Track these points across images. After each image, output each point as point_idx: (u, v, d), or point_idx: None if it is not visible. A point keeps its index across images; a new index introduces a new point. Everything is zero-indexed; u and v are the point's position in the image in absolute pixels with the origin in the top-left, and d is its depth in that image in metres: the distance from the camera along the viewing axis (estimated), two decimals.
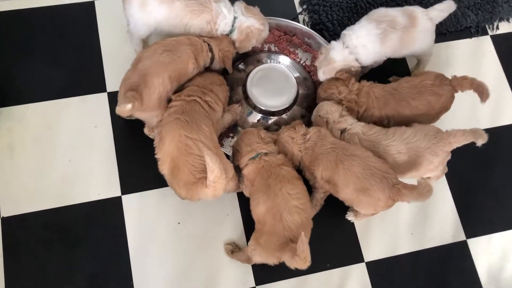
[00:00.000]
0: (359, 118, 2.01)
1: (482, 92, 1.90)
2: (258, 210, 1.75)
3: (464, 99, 2.05)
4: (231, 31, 2.07)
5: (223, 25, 2.04)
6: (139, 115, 1.90)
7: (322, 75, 2.10)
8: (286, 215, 1.68)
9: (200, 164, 1.73)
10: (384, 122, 1.99)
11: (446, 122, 1.98)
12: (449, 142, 1.81)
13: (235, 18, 2.04)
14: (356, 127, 1.92)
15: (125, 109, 1.73)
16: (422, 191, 1.70)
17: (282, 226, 1.67)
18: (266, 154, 1.83)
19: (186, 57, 1.92)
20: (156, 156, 1.80)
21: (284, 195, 1.72)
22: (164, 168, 1.79)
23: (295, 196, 1.73)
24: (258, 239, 1.73)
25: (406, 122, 1.93)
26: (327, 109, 1.97)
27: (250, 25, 2.05)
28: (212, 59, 2.02)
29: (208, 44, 1.99)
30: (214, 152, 1.70)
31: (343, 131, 1.93)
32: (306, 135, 1.88)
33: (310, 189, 1.92)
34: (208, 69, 2.06)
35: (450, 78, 1.96)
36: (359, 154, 1.80)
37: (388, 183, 1.74)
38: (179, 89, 1.94)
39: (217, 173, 1.62)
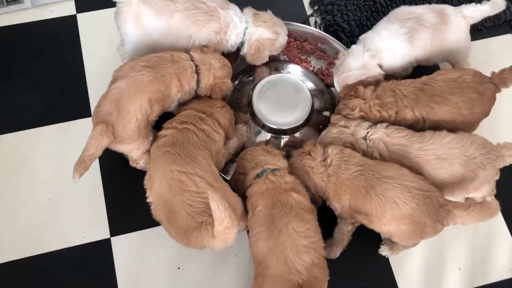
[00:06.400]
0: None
1: None
2: (259, 248, 1.48)
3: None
4: (242, 43, 1.85)
5: (234, 37, 1.82)
6: (116, 148, 1.66)
7: (336, 85, 1.86)
8: (292, 256, 1.42)
9: (200, 202, 1.46)
10: (420, 125, 1.73)
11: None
12: (502, 155, 1.56)
13: (246, 28, 1.82)
14: (377, 130, 1.66)
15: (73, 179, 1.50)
16: (489, 209, 1.45)
17: (288, 269, 1.41)
18: (273, 171, 1.57)
19: (169, 76, 1.65)
20: (148, 200, 1.55)
21: (290, 232, 1.46)
22: (158, 213, 1.53)
23: (303, 234, 1.46)
24: (260, 287, 1.46)
25: (444, 127, 1.68)
26: (332, 136, 1.71)
27: (260, 37, 1.82)
28: (198, 82, 1.73)
29: (196, 65, 1.71)
30: (217, 190, 1.46)
31: (366, 139, 1.67)
32: (325, 159, 1.61)
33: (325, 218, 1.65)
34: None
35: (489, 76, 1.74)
36: (392, 175, 1.53)
37: (434, 204, 1.48)
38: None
39: (227, 223, 1.36)
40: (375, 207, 1.52)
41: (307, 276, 1.40)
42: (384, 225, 1.54)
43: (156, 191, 1.51)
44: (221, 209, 1.34)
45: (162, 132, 1.62)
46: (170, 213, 1.48)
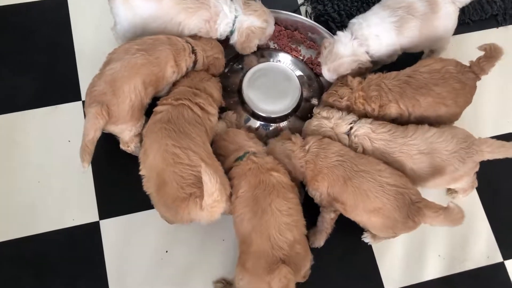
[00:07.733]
0: (377, 119, 1.74)
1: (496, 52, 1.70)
2: (243, 228, 1.54)
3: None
4: (231, 32, 1.85)
5: (223, 26, 1.83)
6: (109, 128, 1.67)
7: (327, 73, 1.86)
8: (275, 233, 1.47)
9: (191, 175, 1.50)
10: (405, 118, 1.75)
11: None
12: (481, 151, 1.60)
13: (235, 17, 1.83)
14: (363, 126, 1.68)
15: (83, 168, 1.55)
16: (452, 216, 1.48)
17: (270, 245, 1.46)
18: (254, 154, 1.62)
19: (164, 58, 1.68)
20: (140, 173, 1.58)
21: (273, 211, 1.51)
22: (149, 185, 1.56)
23: (286, 213, 1.52)
24: (244, 264, 1.50)
25: (428, 120, 1.72)
26: (311, 128, 1.74)
27: (251, 25, 1.84)
28: (195, 63, 1.78)
29: (192, 46, 1.76)
30: (210, 165, 1.49)
31: (349, 135, 1.69)
32: (304, 145, 1.66)
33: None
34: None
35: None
36: (368, 169, 1.58)
37: (405, 200, 1.53)
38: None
39: (216, 196, 1.40)
40: (349, 197, 1.57)
41: (288, 252, 1.45)
42: (357, 215, 1.60)
43: (149, 163, 1.54)
44: (213, 182, 1.37)
45: (158, 108, 1.65)
46: (161, 184, 1.51)
